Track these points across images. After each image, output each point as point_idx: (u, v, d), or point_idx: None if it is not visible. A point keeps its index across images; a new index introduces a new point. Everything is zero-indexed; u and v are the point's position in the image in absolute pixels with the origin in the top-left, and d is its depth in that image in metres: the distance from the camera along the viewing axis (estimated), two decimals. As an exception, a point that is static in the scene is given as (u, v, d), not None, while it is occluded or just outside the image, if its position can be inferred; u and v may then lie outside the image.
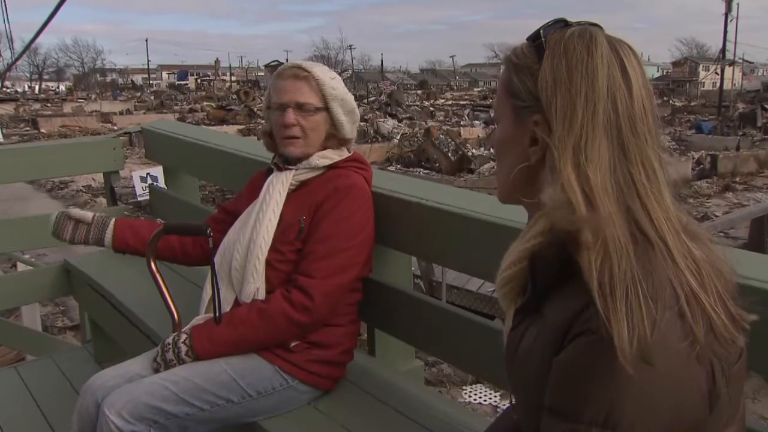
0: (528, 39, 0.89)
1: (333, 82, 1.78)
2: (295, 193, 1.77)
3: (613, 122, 0.81)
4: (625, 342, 0.71)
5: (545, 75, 0.84)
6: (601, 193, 0.78)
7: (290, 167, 1.79)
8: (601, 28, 0.87)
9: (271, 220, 1.73)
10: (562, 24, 0.88)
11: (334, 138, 1.80)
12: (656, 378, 0.73)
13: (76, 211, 1.98)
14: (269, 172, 1.85)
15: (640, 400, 0.73)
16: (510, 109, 0.90)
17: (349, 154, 1.82)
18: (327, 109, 1.77)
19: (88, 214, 1.96)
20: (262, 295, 1.70)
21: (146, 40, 78.44)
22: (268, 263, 1.71)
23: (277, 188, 1.77)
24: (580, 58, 0.82)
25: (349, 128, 1.83)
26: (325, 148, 1.79)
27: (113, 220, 1.98)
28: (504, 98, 0.92)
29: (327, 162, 1.77)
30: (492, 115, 1.07)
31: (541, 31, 0.87)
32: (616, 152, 0.80)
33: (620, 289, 0.73)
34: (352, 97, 1.84)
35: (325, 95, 1.76)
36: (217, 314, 1.67)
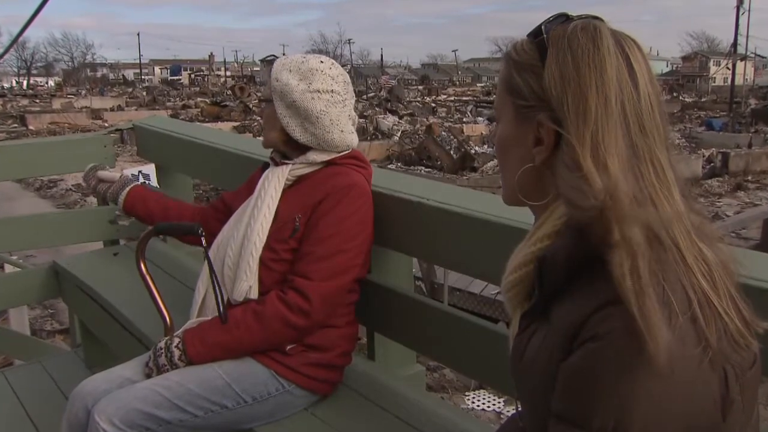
0: (529, 35, 0.89)
1: (282, 74, 1.72)
2: (291, 189, 1.76)
3: (622, 118, 0.80)
4: (662, 345, 0.70)
5: (552, 72, 0.83)
6: (622, 190, 0.77)
7: (287, 162, 1.79)
8: (604, 21, 0.87)
9: (266, 217, 1.72)
10: (563, 18, 0.87)
11: (288, 136, 1.75)
12: (668, 385, 0.72)
13: (105, 173, 2.16)
14: (266, 167, 1.85)
15: (651, 408, 0.72)
16: (511, 108, 0.90)
17: (347, 151, 1.81)
18: (272, 101, 1.75)
19: (116, 175, 2.15)
20: (254, 294, 1.69)
21: (138, 34, 78.69)
22: (262, 262, 1.70)
23: (273, 183, 1.76)
24: (586, 51, 0.82)
25: (296, 129, 1.72)
26: (286, 146, 1.76)
27: (132, 185, 2.14)
28: (505, 97, 0.91)
29: (324, 157, 1.76)
30: (494, 113, 1.07)
31: (543, 27, 0.87)
32: (627, 149, 0.80)
33: (648, 292, 0.73)
34: (303, 89, 1.69)
35: (271, 86, 1.75)
36: (221, 311, 1.64)
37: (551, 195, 0.87)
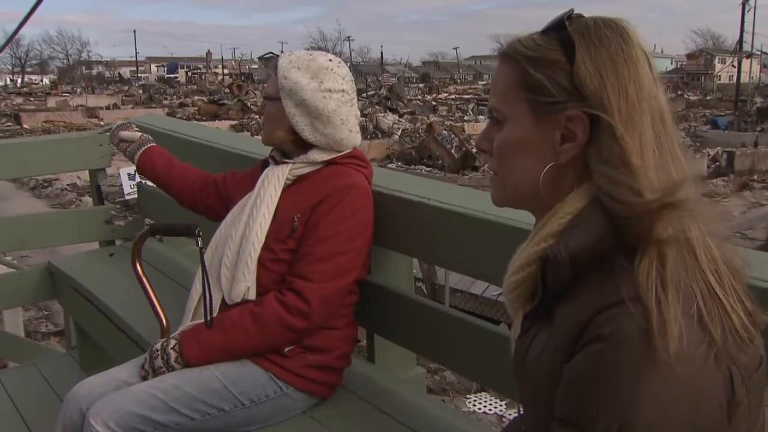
0: (547, 30, 0.88)
1: (291, 71, 1.72)
2: (291, 189, 1.76)
3: (652, 113, 0.82)
4: (676, 341, 0.71)
5: (586, 66, 0.83)
6: (656, 186, 0.79)
7: (287, 161, 1.78)
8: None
9: (265, 217, 1.72)
10: (575, 15, 0.88)
11: (297, 135, 1.75)
12: (673, 386, 0.73)
13: (126, 133, 2.17)
14: (266, 165, 1.85)
15: (656, 410, 0.73)
16: (527, 106, 0.88)
17: (348, 151, 1.80)
18: (280, 99, 1.74)
19: (135, 135, 2.16)
20: (252, 295, 1.69)
21: (134, 31, 78.56)
22: (260, 262, 1.70)
23: (272, 183, 1.76)
24: (618, 45, 0.83)
25: (306, 128, 1.72)
26: (292, 145, 1.76)
27: (148, 146, 2.14)
28: (516, 95, 0.89)
29: (326, 157, 1.76)
30: (497, 114, 1.05)
31: (566, 21, 0.87)
32: (657, 144, 0.82)
33: (669, 287, 0.74)
34: (314, 88, 1.69)
35: (279, 84, 1.74)
36: (208, 318, 1.66)
37: (558, 194, 0.87)
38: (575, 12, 0.88)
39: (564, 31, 0.86)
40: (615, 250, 0.80)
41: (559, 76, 0.85)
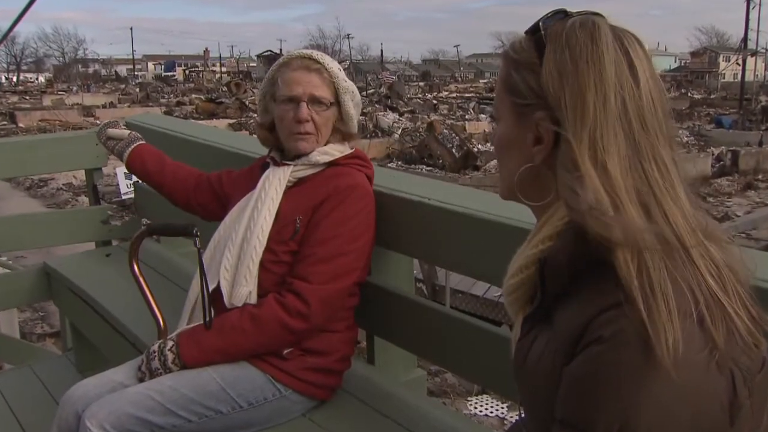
0: (527, 32, 0.90)
1: (342, 73, 1.79)
2: (293, 189, 1.77)
3: (623, 115, 0.81)
4: (669, 346, 0.71)
5: (549, 69, 0.83)
6: (622, 189, 0.78)
7: (288, 162, 1.79)
8: (603, 17, 0.87)
9: (266, 219, 1.72)
10: (562, 15, 0.88)
11: (338, 133, 1.80)
12: (674, 389, 0.73)
13: (115, 131, 2.17)
14: (266, 166, 1.85)
15: (657, 412, 0.73)
16: (510, 107, 0.90)
17: (351, 151, 1.81)
18: (339, 103, 1.77)
19: (124, 133, 2.16)
20: (253, 299, 1.69)
21: (131, 29, 78.53)
22: (261, 264, 1.70)
23: (274, 185, 1.76)
24: (584, 47, 0.82)
25: (356, 122, 1.83)
26: (327, 143, 1.79)
27: (137, 143, 2.13)
28: (504, 96, 0.92)
29: (328, 158, 1.76)
30: (493, 112, 1.09)
31: (540, 24, 0.87)
32: (629, 147, 0.80)
33: (658, 291, 0.74)
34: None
35: (338, 88, 1.76)
36: (207, 319, 1.66)
37: (552, 195, 0.87)
38: (562, 11, 0.88)
39: (538, 33, 0.87)
40: (608, 255, 0.79)
41: (531, 79, 0.86)
